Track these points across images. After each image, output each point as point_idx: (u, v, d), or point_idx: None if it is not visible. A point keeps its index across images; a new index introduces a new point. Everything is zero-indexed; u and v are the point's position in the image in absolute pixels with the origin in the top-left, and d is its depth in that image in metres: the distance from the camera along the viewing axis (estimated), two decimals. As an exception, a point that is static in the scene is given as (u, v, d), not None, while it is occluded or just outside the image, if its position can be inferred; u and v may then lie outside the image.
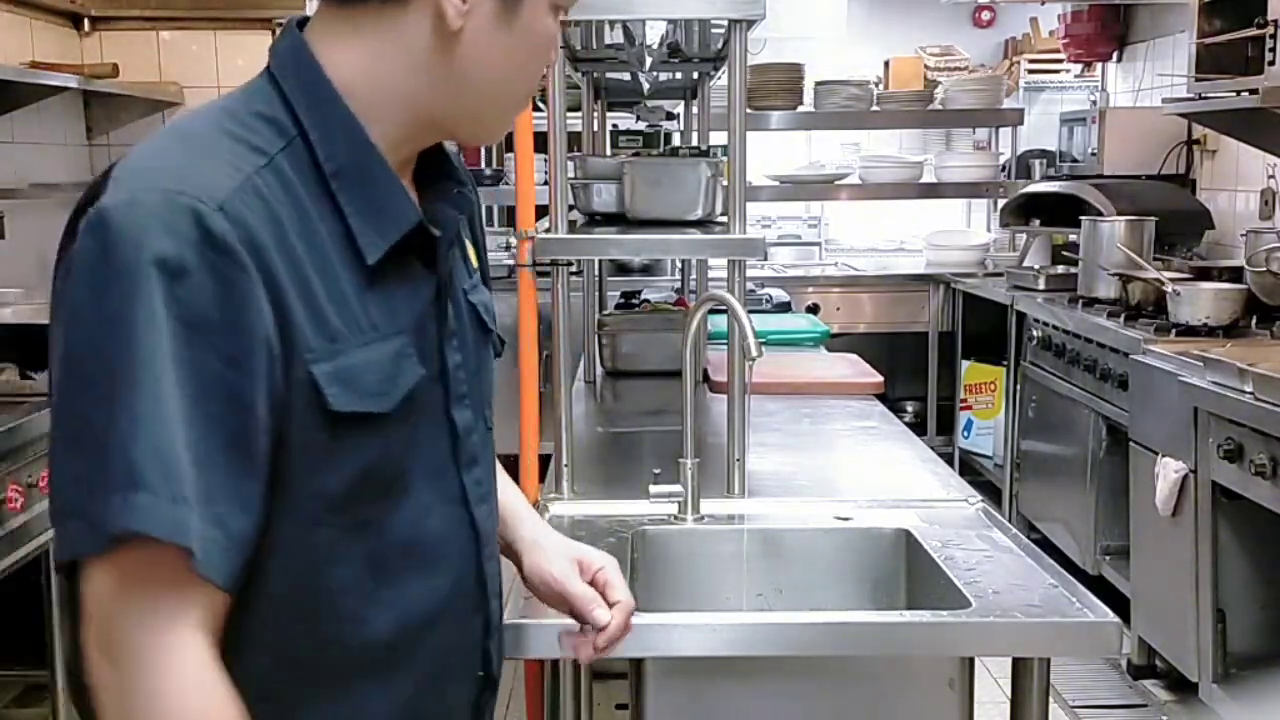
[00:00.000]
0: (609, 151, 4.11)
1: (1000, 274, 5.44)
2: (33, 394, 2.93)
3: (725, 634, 1.63)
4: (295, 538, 1.07)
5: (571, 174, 2.54)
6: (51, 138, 4.54)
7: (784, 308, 4.51)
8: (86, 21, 4.75)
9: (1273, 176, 4.38)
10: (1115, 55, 6.06)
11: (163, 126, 1.15)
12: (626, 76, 3.55)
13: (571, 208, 2.48)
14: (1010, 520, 4.10)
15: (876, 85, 6.00)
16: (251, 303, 0.98)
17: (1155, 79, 5.46)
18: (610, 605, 1.39)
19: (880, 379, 3.26)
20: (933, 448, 2.68)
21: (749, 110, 2.85)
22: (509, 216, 7.23)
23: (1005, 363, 5.07)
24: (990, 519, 2.09)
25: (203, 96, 4.94)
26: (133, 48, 4.81)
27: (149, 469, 0.94)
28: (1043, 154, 6.05)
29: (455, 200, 1.22)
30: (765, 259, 6.15)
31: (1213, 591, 3.19)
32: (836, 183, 6.09)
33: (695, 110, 3.94)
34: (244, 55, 4.95)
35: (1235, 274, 3.99)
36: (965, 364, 5.45)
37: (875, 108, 5.85)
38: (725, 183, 2.35)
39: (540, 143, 2.16)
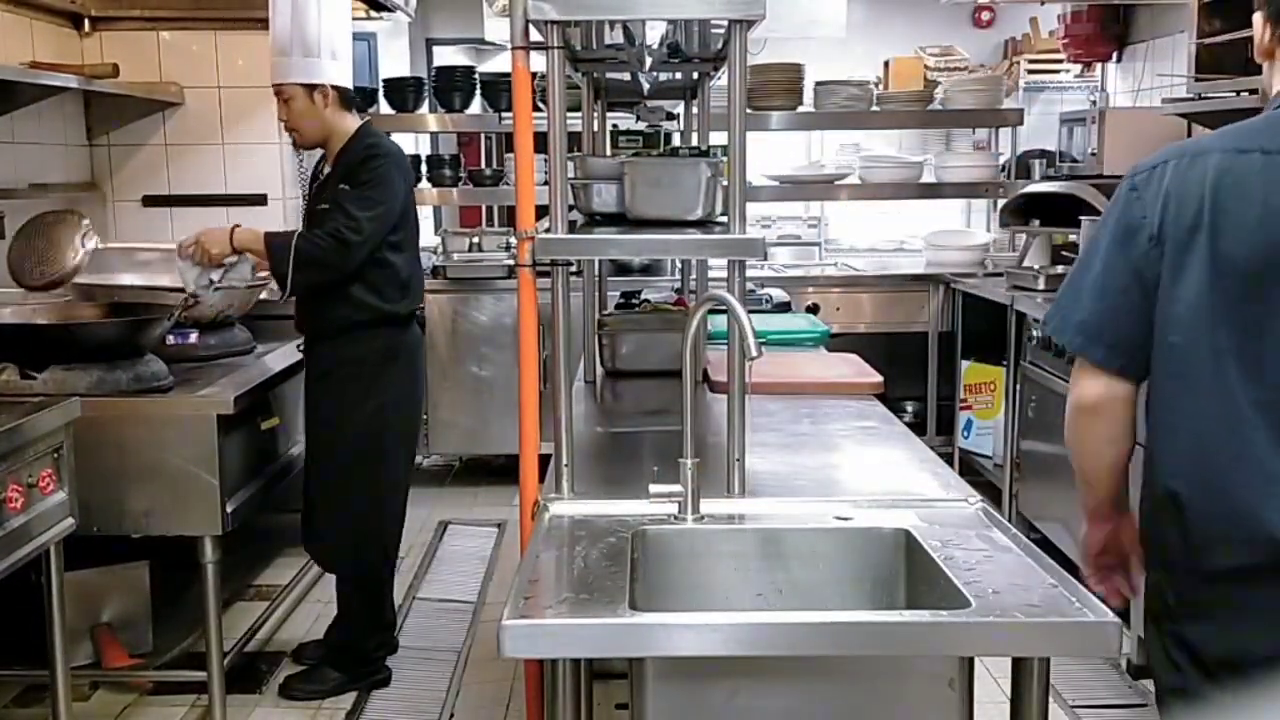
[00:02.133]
0: (609, 151, 4.11)
1: (1000, 274, 5.44)
2: (32, 394, 2.93)
3: (725, 634, 1.63)
4: None
5: (571, 174, 2.54)
6: (52, 138, 4.54)
7: (784, 308, 4.51)
8: (86, 21, 4.75)
9: (1272, 176, 4.37)
10: (1115, 55, 6.06)
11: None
12: (626, 76, 3.55)
13: (571, 208, 2.48)
14: (1010, 520, 4.09)
15: (876, 85, 6.01)
16: None
17: (1155, 79, 5.46)
18: None
19: (880, 379, 3.26)
20: (933, 448, 2.68)
21: (749, 110, 2.85)
22: (509, 216, 7.23)
23: (1005, 363, 5.08)
24: (990, 519, 2.09)
25: (203, 96, 4.95)
26: (133, 48, 4.80)
27: None
28: (1042, 154, 6.05)
29: None
30: (765, 259, 6.15)
31: (1212, 591, 3.18)
32: (836, 183, 6.09)
33: (695, 110, 3.94)
34: (244, 55, 4.94)
35: (1235, 274, 3.99)
36: (965, 364, 5.45)
37: (875, 108, 5.85)
38: (725, 183, 2.35)
39: (540, 143, 2.16)
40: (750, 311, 2.12)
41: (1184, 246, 1.71)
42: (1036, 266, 5.28)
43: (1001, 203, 5.65)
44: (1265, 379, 1.66)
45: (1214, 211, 1.69)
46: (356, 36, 7.27)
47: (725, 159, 2.25)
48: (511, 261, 5.44)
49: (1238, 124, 1.83)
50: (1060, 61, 6.50)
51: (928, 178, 6.12)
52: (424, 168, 5.97)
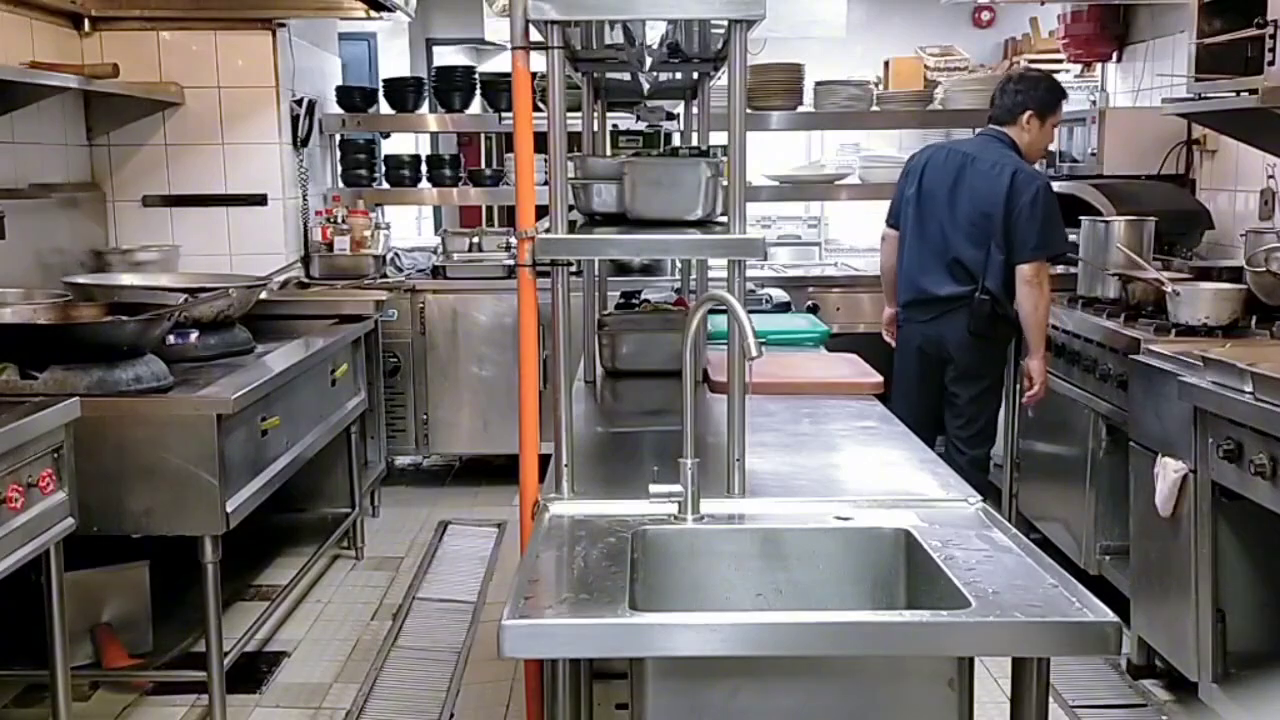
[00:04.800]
0: (609, 151, 4.11)
1: (1000, 274, 5.43)
2: (32, 394, 2.93)
3: (725, 634, 1.63)
4: None
5: (571, 174, 2.54)
6: (51, 138, 4.54)
7: (784, 308, 4.51)
8: (86, 21, 4.75)
9: (1272, 176, 4.38)
10: (1115, 55, 6.06)
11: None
12: (626, 76, 3.55)
13: (571, 208, 2.48)
14: (1010, 520, 4.10)
15: (876, 85, 6.00)
16: None
17: (1155, 79, 5.46)
18: None
19: (880, 379, 3.26)
20: (932, 448, 2.68)
21: (749, 110, 2.85)
22: (509, 216, 7.23)
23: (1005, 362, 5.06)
24: (990, 519, 2.09)
25: (203, 96, 4.95)
26: (133, 48, 4.81)
27: None
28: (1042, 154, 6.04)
29: None
30: (765, 259, 6.15)
31: (1212, 591, 3.19)
32: (836, 183, 6.09)
33: (695, 110, 3.94)
34: (244, 55, 4.95)
35: (1235, 274, 3.99)
36: (965, 364, 5.42)
37: (875, 108, 5.85)
38: (725, 183, 2.35)
39: (540, 143, 2.16)
40: (750, 311, 2.12)
41: (912, 181, 4.20)
42: (1036, 266, 5.26)
43: (1001, 203, 5.64)
44: (925, 231, 4.13)
45: (921, 171, 4.18)
46: (357, 36, 7.30)
47: (725, 159, 2.25)
48: (511, 261, 5.44)
49: (955, 139, 4.36)
50: (1060, 61, 6.49)
51: (928, 178, 6.10)
52: (424, 168, 5.97)
